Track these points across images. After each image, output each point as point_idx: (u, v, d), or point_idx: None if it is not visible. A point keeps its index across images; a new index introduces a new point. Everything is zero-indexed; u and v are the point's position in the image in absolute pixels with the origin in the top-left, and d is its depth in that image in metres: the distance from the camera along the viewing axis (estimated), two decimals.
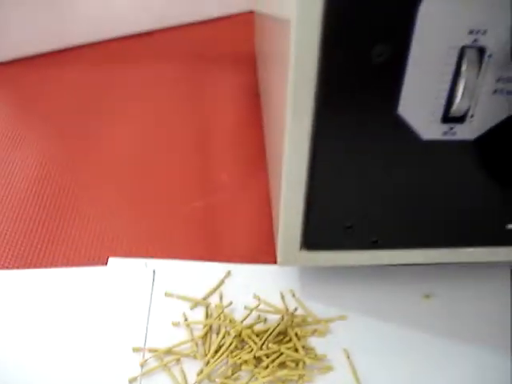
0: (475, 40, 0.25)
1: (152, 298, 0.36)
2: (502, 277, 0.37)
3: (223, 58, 0.59)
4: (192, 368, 0.32)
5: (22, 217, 0.41)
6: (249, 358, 0.32)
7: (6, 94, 0.54)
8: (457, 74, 0.26)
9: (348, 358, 0.33)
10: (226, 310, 0.35)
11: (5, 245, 0.39)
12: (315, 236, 0.32)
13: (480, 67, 0.26)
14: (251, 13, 0.60)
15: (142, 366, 0.32)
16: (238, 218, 0.42)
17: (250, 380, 0.32)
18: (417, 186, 0.30)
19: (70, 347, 0.33)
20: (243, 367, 0.32)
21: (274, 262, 0.34)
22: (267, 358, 0.32)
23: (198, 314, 0.35)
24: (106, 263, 0.38)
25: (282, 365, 0.32)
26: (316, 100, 0.27)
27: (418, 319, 0.35)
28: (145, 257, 0.38)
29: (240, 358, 0.32)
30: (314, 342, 0.34)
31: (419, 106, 0.27)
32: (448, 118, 0.27)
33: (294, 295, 0.36)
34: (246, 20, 0.62)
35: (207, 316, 0.35)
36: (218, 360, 0.32)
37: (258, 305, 0.35)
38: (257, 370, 0.32)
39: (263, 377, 0.31)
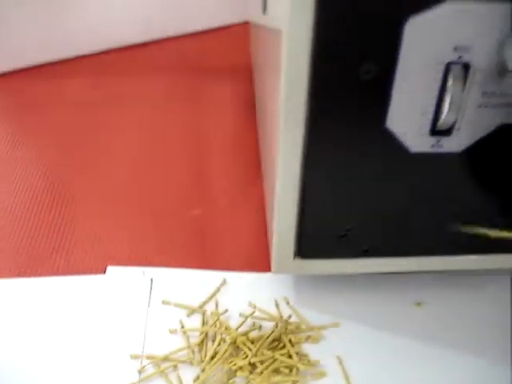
0: (460, 57, 0.26)
1: (149, 305, 0.36)
2: (493, 284, 0.38)
3: (220, 68, 0.59)
4: (188, 374, 0.33)
5: (23, 226, 0.42)
6: (244, 365, 0.33)
7: (5, 105, 0.55)
8: (443, 89, 0.27)
9: (340, 364, 0.34)
10: (221, 318, 0.36)
11: (5, 253, 0.40)
12: (308, 245, 0.33)
13: (465, 82, 0.27)
14: (248, 23, 0.61)
15: (139, 372, 0.33)
16: (234, 227, 0.43)
17: None
18: (406, 196, 0.31)
19: (70, 354, 0.34)
20: (238, 373, 0.33)
21: (270, 269, 0.35)
22: (262, 364, 0.33)
23: (195, 322, 0.36)
24: (105, 272, 0.38)
25: (276, 371, 0.33)
26: (307, 113, 0.27)
27: (410, 326, 0.36)
28: (143, 265, 0.39)
29: (235, 365, 0.33)
30: (307, 348, 0.34)
31: (407, 120, 0.28)
32: (435, 131, 0.28)
33: (288, 303, 0.37)
34: (244, 30, 0.63)
35: (203, 323, 0.36)
36: (214, 366, 0.33)
37: (253, 312, 0.36)
38: (251, 376, 0.32)
39: (258, 383, 0.32)
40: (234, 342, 0.34)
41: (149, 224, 0.43)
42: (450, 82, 0.26)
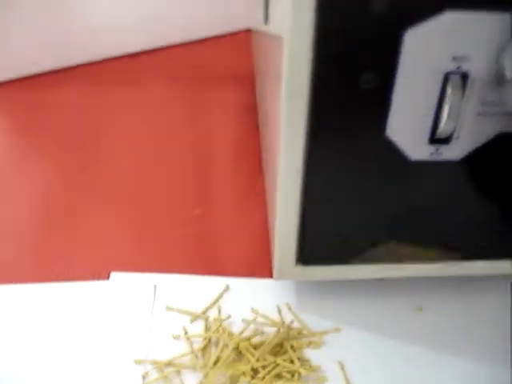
0: (459, 66, 0.26)
1: (153, 311, 0.37)
2: (494, 290, 0.38)
3: (223, 75, 0.60)
4: (192, 379, 0.33)
5: (27, 233, 0.43)
6: (246, 370, 0.33)
7: (5, 115, 0.55)
8: (442, 98, 0.27)
9: (342, 369, 0.34)
10: (224, 324, 0.36)
11: (9, 260, 0.40)
12: (310, 251, 0.33)
13: (464, 91, 0.27)
14: (250, 31, 0.61)
15: (143, 377, 0.33)
16: (236, 233, 0.43)
17: None
18: (406, 202, 0.32)
19: (74, 360, 0.34)
20: (241, 378, 0.33)
21: (271, 275, 0.35)
22: (264, 369, 0.33)
23: (198, 327, 0.36)
24: (109, 278, 0.39)
25: (279, 376, 0.33)
26: (308, 121, 0.28)
27: (411, 332, 0.36)
28: (146, 271, 0.39)
29: (238, 370, 0.33)
30: (309, 353, 0.35)
31: (407, 129, 0.28)
32: (434, 139, 0.29)
33: (290, 308, 0.37)
34: (247, 38, 0.63)
35: (206, 329, 0.36)
36: (217, 371, 0.33)
37: (256, 318, 0.36)
38: (254, 381, 0.33)
39: None
40: (236, 348, 0.34)
41: (152, 230, 0.43)
42: (448, 92, 0.27)
